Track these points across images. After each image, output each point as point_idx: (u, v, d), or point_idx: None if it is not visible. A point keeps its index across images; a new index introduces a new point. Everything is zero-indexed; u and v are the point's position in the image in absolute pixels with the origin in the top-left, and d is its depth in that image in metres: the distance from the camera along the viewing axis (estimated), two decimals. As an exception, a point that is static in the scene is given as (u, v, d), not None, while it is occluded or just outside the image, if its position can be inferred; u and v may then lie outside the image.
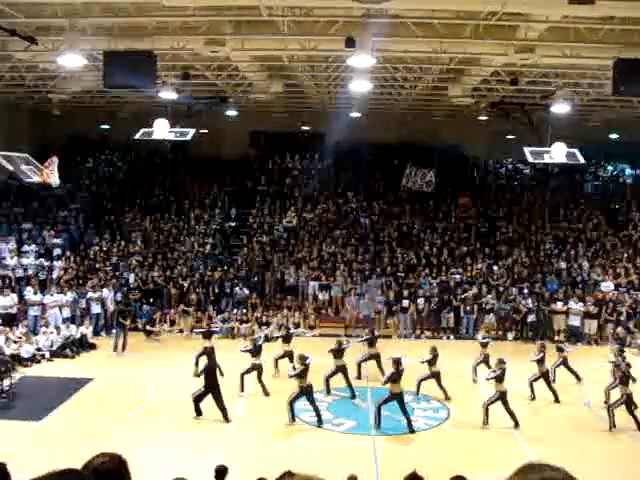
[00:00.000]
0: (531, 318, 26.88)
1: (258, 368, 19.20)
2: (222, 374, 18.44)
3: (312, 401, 16.81)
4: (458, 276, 29.44)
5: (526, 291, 28.20)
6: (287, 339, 21.73)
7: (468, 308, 27.57)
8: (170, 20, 17.10)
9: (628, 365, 17.30)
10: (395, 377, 16.49)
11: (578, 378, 20.28)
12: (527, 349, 21.83)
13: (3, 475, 4.89)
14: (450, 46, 18.29)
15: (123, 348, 23.75)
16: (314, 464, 12.62)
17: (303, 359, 17.00)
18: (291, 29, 17.29)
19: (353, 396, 19.04)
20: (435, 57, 20.42)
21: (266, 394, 18.92)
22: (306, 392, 16.71)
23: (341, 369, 19.15)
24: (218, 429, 16.28)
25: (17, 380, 19.41)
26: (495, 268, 29.98)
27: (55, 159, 21.99)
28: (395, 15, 16.13)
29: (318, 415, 16.73)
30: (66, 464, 3.05)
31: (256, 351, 19.36)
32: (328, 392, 19.10)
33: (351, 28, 16.22)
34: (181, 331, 25.95)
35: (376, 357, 20.65)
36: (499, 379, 16.83)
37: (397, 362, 16.69)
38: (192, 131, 23.42)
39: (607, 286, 28.04)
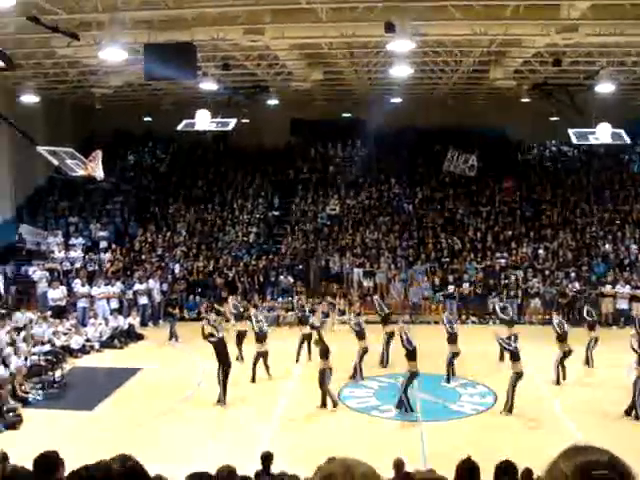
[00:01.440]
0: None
1: (263, 355, 19.47)
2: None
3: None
4: (503, 260, 29.23)
5: (573, 275, 27.90)
6: (303, 322, 22.34)
7: (512, 293, 27.39)
8: (209, 11, 17.15)
9: None
10: (411, 356, 16.68)
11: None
12: (573, 333, 21.53)
13: (55, 463, 4.99)
14: (490, 28, 18.09)
15: (176, 338, 24.25)
16: (361, 451, 12.64)
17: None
18: (330, 16, 17.22)
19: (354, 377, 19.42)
20: (475, 39, 20.19)
21: (269, 377, 19.43)
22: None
23: (364, 350, 19.41)
24: (266, 418, 16.41)
25: (68, 371, 19.81)
26: (540, 252, 29.68)
27: (99, 153, 22.23)
28: (434, -2, 16.00)
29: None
30: (117, 452, 3.11)
31: (262, 337, 19.68)
32: (361, 377, 19.41)
33: (390, 13, 16.09)
34: (227, 320, 26.11)
35: (390, 335, 20.88)
36: (514, 358, 16.74)
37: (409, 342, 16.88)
38: (233, 121, 23.54)
39: (656, 268, 27.62)
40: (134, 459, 3.27)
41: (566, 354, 19.04)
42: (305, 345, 21.10)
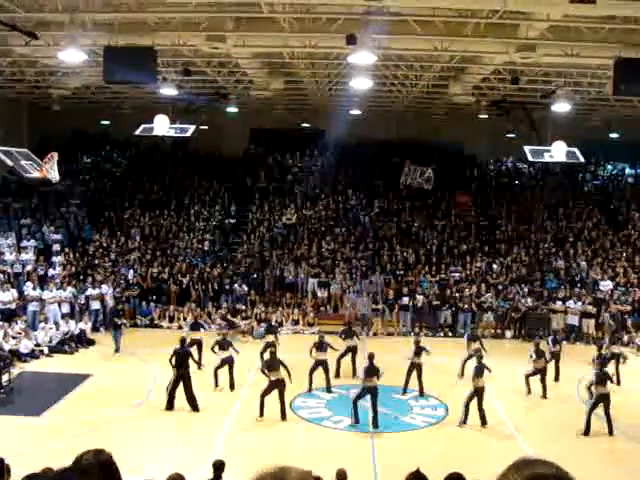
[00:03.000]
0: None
1: (229, 362, 19.32)
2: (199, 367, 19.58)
3: None
4: (457, 274, 29.47)
5: (525, 290, 28.25)
6: (271, 331, 22.15)
7: (465, 306, 27.60)
8: (171, 16, 17.09)
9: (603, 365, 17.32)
10: (368, 371, 16.61)
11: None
12: (525, 347, 21.82)
13: (1, 469, 4.90)
14: (451, 44, 18.28)
15: (117, 349, 23.31)
16: (311, 461, 12.60)
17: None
18: (292, 26, 17.28)
19: (329, 391, 19.31)
20: (436, 55, 20.40)
21: (232, 387, 19.21)
22: None
23: (321, 363, 19.27)
24: (216, 426, 16.29)
25: (16, 375, 19.44)
26: (494, 266, 30.01)
27: (55, 155, 21.98)
28: (396, 13, 16.10)
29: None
30: (64, 460, 3.06)
31: (227, 345, 19.54)
32: (310, 389, 19.27)
33: (352, 25, 16.20)
34: (180, 327, 25.91)
35: (353, 350, 20.85)
36: (477, 374, 16.88)
37: (371, 357, 16.87)
38: (192, 127, 23.46)
39: (606, 285, 28.07)
40: (108, 454, 3.23)
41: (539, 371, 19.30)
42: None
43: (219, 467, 10.28)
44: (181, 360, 17.48)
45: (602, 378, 16.45)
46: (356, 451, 14.97)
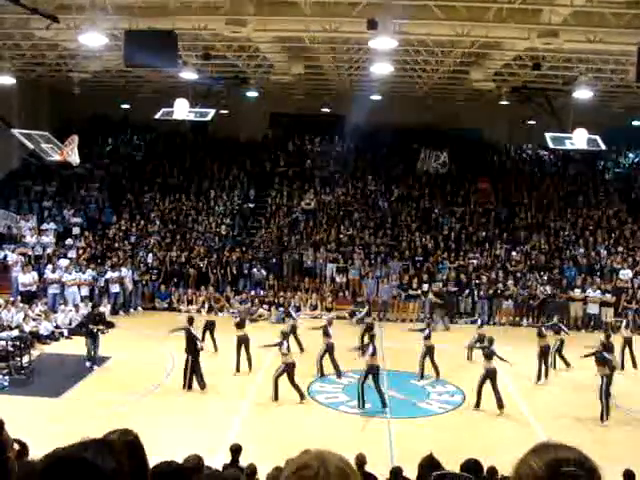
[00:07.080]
0: None
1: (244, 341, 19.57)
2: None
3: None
4: (476, 261, 29.36)
5: (544, 277, 28.11)
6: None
7: (483, 293, 27.50)
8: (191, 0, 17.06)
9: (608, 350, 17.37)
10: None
11: (567, 364, 20.48)
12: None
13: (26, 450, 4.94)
14: (472, 29, 18.12)
15: (93, 361, 19.92)
16: (329, 445, 12.65)
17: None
18: (313, 10, 17.19)
19: (339, 376, 19.20)
20: (457, 40, 20.24)
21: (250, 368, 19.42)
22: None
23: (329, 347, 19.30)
24: (233, 410, 16.39)
25: (36, 357, 19.63)
26: (513, 254, 29.85)
27: (75, 138, 22.06)
28: (418, -3, 16.02)
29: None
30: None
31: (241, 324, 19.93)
32: (322, 374, 19.28)
33: (373, 10, 16.09)
34: (199, 311, 26.02)
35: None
36: (488, 357, 16.85)
37: (371, 336, 17.34)
38: (212, 112, 23.45)
39: (626, 274, 27.87)
40: (134, 434, 3.26)
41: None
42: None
43: (237, 451, 10.35)
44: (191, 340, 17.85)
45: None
46: (373, 436, 15.03)
